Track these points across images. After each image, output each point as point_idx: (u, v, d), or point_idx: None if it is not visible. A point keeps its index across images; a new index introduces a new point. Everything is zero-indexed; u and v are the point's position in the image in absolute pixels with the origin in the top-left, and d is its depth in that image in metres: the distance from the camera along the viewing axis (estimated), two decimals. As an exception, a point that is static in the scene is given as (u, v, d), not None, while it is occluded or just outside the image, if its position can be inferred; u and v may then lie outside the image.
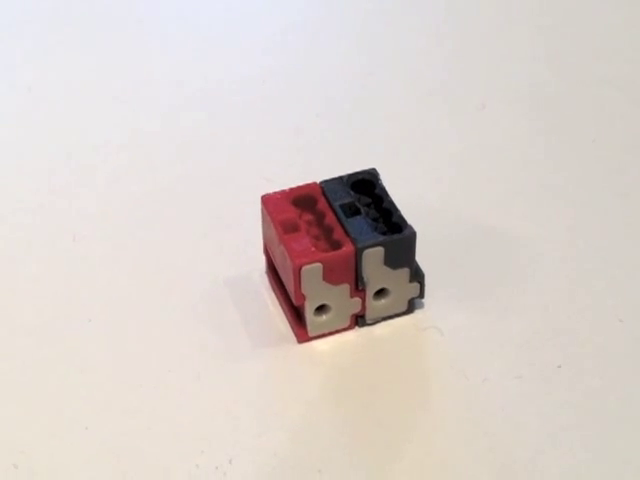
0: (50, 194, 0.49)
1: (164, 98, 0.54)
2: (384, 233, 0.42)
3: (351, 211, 0.42)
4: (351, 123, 0.53)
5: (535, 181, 0.49)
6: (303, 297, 0.41)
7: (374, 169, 0.44)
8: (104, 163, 0.51)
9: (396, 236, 0.41)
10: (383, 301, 0.43)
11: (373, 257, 0.41)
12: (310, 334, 0.43)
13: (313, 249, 0.41)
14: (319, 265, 0.41)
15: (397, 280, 0.42)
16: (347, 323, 0.43)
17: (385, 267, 0.42)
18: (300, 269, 0.40)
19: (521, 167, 0.50)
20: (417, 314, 0.44)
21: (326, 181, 0.43)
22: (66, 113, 0.54)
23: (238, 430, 0.40)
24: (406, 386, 0.41)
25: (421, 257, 0.43)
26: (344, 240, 0.41)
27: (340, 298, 0.42)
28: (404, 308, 0.43)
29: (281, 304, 0.44)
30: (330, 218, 0.42)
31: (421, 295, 0.43)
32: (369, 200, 0.43)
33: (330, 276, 0.41)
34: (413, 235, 0.41)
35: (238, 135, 0.52)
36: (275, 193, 0.43)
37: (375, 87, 0.54)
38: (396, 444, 0.39)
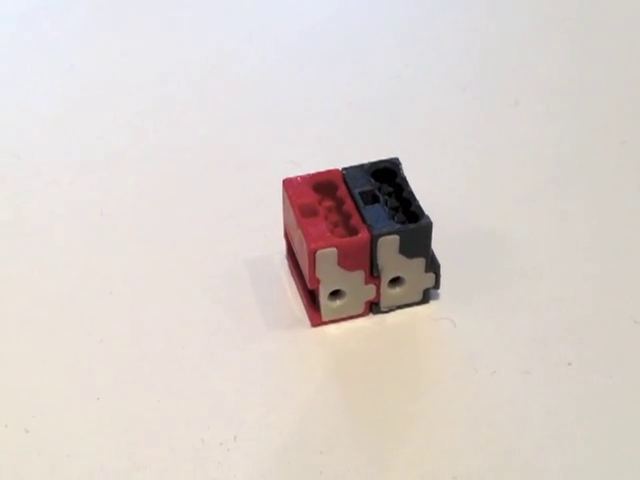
0: (82, 169, 0.50)
1: (198, 81, 0.55)
2: (402, 222, 0.42)
3: (370, 199, 0.43)
4: (383, 113, 0.53)
5: (562, 180, 0.49)
6: (317, 281, 0.42)
7: (396, 159, 0.44)
8: (137, 143, 0.51)
9: (412, 225, 0.42)
10: (398, 289, 0.43)
11: (388, 245, 0.42)
12: (324, 318, 0.43)
13: (329, 234, 0.41)
14: (334, 250, 0.41)
15: (412, 269, 0.43)
16: (361, 310, 0.43)
17: (400, 255, 0.42)
18: (315, 253, 0.41)
19: (550, 165, 0.50)
20: (432, 305, 0.44)
21: (348, 168, 0.44)
22: (106, 91, 0.54)
23: (245, 408, 0.40)
24: (414, 374, 0.42)
25: (439, 249, 0.44)
26: (360, 227, 0.42)
27: (355, 284, 0.42)
28: (419, 298, 0.44)
29: (298, 288, 0.44)
30: (349, 205, 0.43)
31: (436, 286, 0.44)
32: (390, 189, 0.44)
33: (345, 262, 0.42)
34: (429, 225, 0.42)
35: (269, 118, 0.52)
36: (296, 177, 0.43)
37: (410, 79, 0.54)
38: (399, 431, 0.40)
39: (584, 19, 0.57)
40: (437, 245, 0.44)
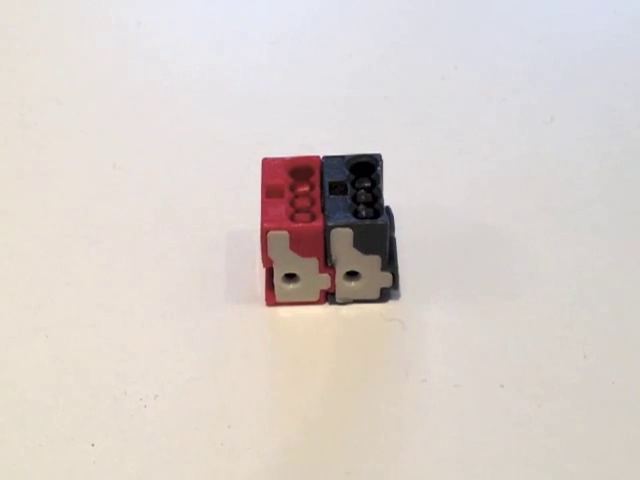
0: (99, 121, 0.52)
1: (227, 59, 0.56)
2: (363, 217, 0.42)
3: (338, 189, 0.43)
4: (418, 111, 0.53)
5: (583, 202, 0.48)
6: (270, 261, 0.43)
7: (379, 155, 0.44)
8: (163, 105, 0.53)
9: (367, 222, 0.42)
10: (353, 284, 0.43)
11: (342, 237, 0.42)
12: (278, 299, 0.44)
13: (285, 217, 0.42)
14: (285, 233, 0.42)
15: (368, 266, 0.43)
16: (316, 297, 0.44)
17: (355, 250, 0.42)
18: (267, 233, 0.42)
19: (574, 186, 0.49)
20: (389, 304, 0.44)
21: (328, 157, 0.44)
22: (170, 50, 0.56)
23: (174, 371, 0.42)
24: (347, 367, 0.42)
25: (423, 251, 0.44)
26: (318, 215, 0.42)
27: (308, 271, 0.43)
28: (376, 296, 0.44)
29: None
30: (316, 192, 0.43)
31: (394, 286, 0.43)
32: (368, 184, 0.44)
33: (297, 247, 0.42)
34: (384, 225, 0.42)
35: (296, 101, 0.53)
36: (276, 158, 0.44)
37: (455, 82, 0.54)
38: (311, 418, 0.40)
39: (631, 43, 0.55)
40: (421, 251, 0.44)
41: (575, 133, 0.51)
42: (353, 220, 0.42)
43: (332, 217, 0.42)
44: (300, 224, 0.42)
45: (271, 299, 0.44)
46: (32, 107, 0.53)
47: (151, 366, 0.42)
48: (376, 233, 0.42)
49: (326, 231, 0.42)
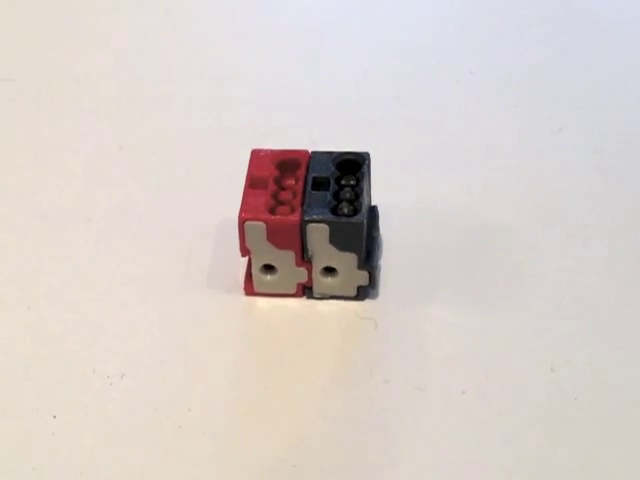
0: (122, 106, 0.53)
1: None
2: (340, 214, 0.42)
3: (320, 185, 0.43)
4: (428, 113, 0.53)
5: (586, 214, 0.47)
6: (248, 251, 0.43)
7: (367, 153, 0.44)
8: (177, 92, 0.54)
9: (343, 219, 0.42)
10: (330, 279, 0.44)
11: (318, 232, 0.42)
12: (256, 289, 0.44)
13: (262, 208, 0.42)
14: (262, 225, 0.42)
15: (345, 263, 0.43)
16: (293, 290, 0.44)
17: (331, 246, 0.42)
18: (244, 223, 0.42)
19: (570, 197, 0.48)
20: (365, 303, 0.44)
21: (316, 152, 0.44)
22: (191, 39, 0.57)
23: (144, 351, 0.42)
24: (313, 362, 0.42)
25: (410, 257, 0.44)
26: (297, 209, 0.42)
27: (285, 263, 0.43)
28: (353, 293, 0.44)
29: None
30: (299, 186, 0.43)
31: (371, 285, 0.44)
32: (354, 182, 0.44)
33: (274, 239, 0.42)
34: (359, 224, 0.42)
35: (306, 99, 0.54)
36: (265, 150, 0.45)
37: (468, 86, 0.54)
38: (266, 407, 0.40)
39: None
40: (414, 249, 0.45)
41: (580, 146, 0.50)
42: (329, 216, 0.42)
43: (309, 212, 0.42)
44: (277, 216, 0.42)
45: (250, 289, 0.44)
46: (50, 85, 0.54)
47: (123, 345, 0.43)
48: (352, 231, 0.42)
49: (302, 225, 0.42)
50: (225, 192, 0.48)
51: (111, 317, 0.44)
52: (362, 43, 0.56)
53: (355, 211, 0.42)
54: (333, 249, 0.42)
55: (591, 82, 0.53)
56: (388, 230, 0.46)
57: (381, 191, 0.47)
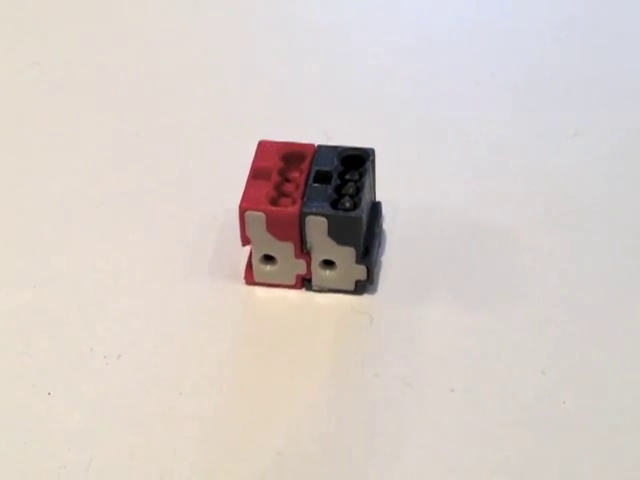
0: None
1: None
2: (340, 208, 0.43)
3: (323, 178, 0.44)
4: (444, 112, 0.53)
5: (591, 220, 0.47)
6: (248, 240, 0.44)
7: (372, 149, 0.45)
8: (196, 82, 0.55)
9: (341, 213, 0.42)
10: (328, 272, 0.44)
11: (316, 225, 0.42)
12: (256, 279, 0.45)
13: (263, 199, 0.43)
14: (262, 215, 0.43)
15: (343, 256, 0.43)
16: (292, 281, 0.44)
17: (329, 239, 0.43)
18: (244, 212, 0.43)
19: (582, 204, 0.48)
20: (364, 298, 0.44)
21: (322, 146, 0.45)
22: (216, 30, 0.58)
23: (140, 333, 0.43)
24: (306, 353, 0.42)
25: (413, 254, 0.45)
26: (297, 201, 0.43)
27: (285, 254, 0.44)
28: (351, 287, 0.44)
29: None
30: (302, 179, 0.44)
31: (370, 280, 0.44)
32: (357, 178, 0.44)
33: (274, 229, 0.43)
34: (357, 218, 0.42)
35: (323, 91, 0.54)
36: (272, 142, 0.45)
37: (488, 88, 0.54)
38: (256, 397, 0.41)
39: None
40: (418, 247, 0.46)
41: (593, 151, 0.50)
42: (328, 210, 0.42)
43: (309, 204, 0.43)
44: (276, 208, 0.43)
45: (250, 278, 0.45)
46: (75, 70, 0.55)
47: (122, 327, 0.43)
48: (350, 225, 0.42)
49: (301, 217, 0.42)
50: (234, 182, 0.49)
51: (112, 299, 0.45)
52: (384, 40, 0.56)
53: (355, 206, 0.43)
54: (332, 242, 0.43)
55: (611, 88, 0.53)
56: (393, 227, 0.47)
57: (389, 188, 0.47)
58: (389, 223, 0.47)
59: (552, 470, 0.39)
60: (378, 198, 0.46)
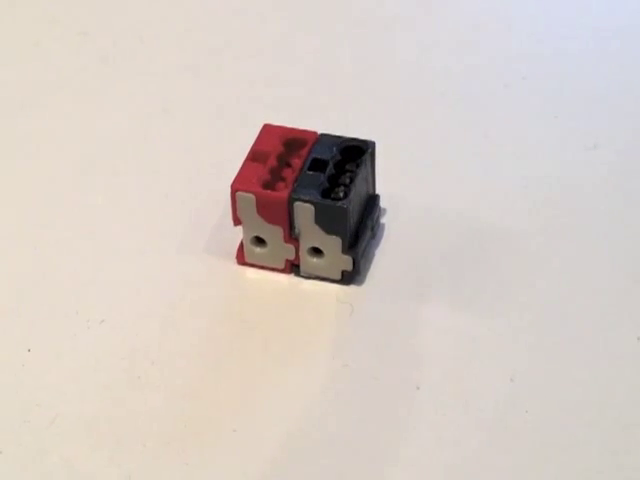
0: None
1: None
2: (329, 198, 0.43)
3: (319, 166, 0.44)
4: (467, 113, 0.53)
5: (596, 234, 0.47)
6: (239, 220, 0.44)
7: (373, 142, 0.45)
8: (223, 64, 0.56)
9: (327, 201, 0.43)
10: (316, 260, 0.44)
11: (304, 211, 0.43)
12: (247, 260, 0.45)
13: (255, 181, 0.43)
14: (252, 197, 0.43)
15: (330, 245, 0.44)
16: (281, 265, 0.45)
17: (317, 227, 0.43)
18: (235, 193, 0.43)
19: (590, 217, 0.47)
20: (349, 288, 0.45)
21: (324, 134, 0.45)
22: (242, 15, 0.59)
23: (128, 303, 0.44)
24: (282, 337, 0.43)
25: (409, 250, 0.45)
26: (289, 186, 0.43)
27: (274, 238, 0.44)
28: (337, 276, 0.44)
29: (249, 227, 0.47)
30: (297, 165, 0.44)
31: (355, 271, 0.44)
32: (354, 168, 0.45)
33: (264, 212, 0.43)
34: (344, 209, 0.42)
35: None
36: (276, 126, 0.46)
37: (516, 91, 0.53)
38: (225, 374, 0.42)
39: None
40: (415, 243, 0.46)
41: (611, 165, 0.50)
42: (316, 197, 0.43)
43: (298, 191, 0.43)
44: (266, 191, 0.43)
45: (241, 258, 0.46)
46: (116, 42, 0.57)
47: (109, 294, 0.45)
48: (336, 215, 0.43)
49: (290, 203, 0.43)
50: (230, 164, 0.49)
51: (106, 266, 0.46)
52: (414, 37, 0.56)
53: (345, 196, 0.43)
54: (319, 230, 0.43)
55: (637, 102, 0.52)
56: (393, 222, 0.47)
57: (398, 183, 0.48)
58: (390, 218, 0.47)
59: (503, 476, 0.38)
60: (383, 192, 0.46)
